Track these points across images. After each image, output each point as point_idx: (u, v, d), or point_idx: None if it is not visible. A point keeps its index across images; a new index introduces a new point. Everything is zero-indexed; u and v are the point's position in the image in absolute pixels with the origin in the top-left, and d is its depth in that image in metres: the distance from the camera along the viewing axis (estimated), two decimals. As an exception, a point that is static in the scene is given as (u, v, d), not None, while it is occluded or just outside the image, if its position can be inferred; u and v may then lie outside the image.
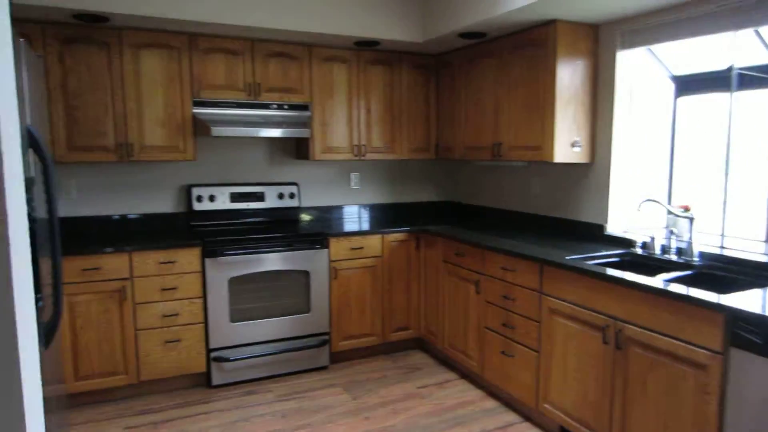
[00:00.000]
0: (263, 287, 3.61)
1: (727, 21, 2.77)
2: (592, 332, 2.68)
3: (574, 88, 3.35)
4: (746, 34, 2.86)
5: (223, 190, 3.99)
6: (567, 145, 3.36)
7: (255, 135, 3.64)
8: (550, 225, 3.83)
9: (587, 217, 3.56)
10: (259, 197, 4.10)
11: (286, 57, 3.88)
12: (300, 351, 3.73)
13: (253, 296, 3.58)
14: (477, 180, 4.63)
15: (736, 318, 2.12)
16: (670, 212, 3.07)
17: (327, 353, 3.84)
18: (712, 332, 2.20)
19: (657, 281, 2.46)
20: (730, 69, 2.95)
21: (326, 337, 3.83)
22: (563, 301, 2.84)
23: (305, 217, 4.39)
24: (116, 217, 3.80)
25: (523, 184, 4.10)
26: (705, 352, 2.22)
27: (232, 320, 3.53)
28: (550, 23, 3.27)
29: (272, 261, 3.61)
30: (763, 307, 2.10)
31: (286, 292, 3.68)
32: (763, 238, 3.11)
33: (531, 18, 3.23)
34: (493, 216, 4.41)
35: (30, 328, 1.52)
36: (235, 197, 4.03)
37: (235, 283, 3.52)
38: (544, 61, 3.33)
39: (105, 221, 3.77)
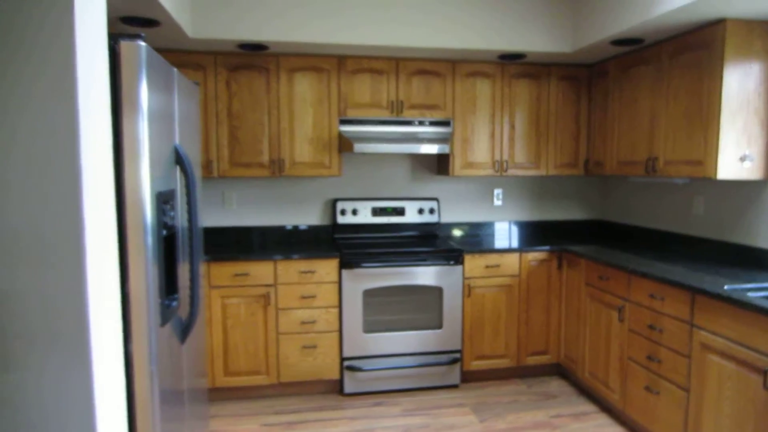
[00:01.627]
0: (396, 300, 3.68)
1: None
2: (751, 375, 2.31)
3: (746, 95, 2.94)
4: None
5: (365, 204, 4.16)
6: (734, 159, 2.96)
7: (395, 151, 3.74)
8: (714, 249, 3.39)
9: (760, 241, 3.09)
10: (400, 212, 4.20)
11: (429, 74, 3.94)
12: (431, 367, 3.72)
13: (386, 309, 3.66)
14: (630, 198, 4.26)
15: None
16: None
17: (458, 371, 3.78)
18: None
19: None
20: None
21: (458, 355, 3.77)
22: (718, 336, 2.49)
23: (456, 232, 4.39)
24: (270, 227, 4.15)
25: (684, 202, 3.68)
26: None
27: (366, 331, 3.64)
28: (717, 23, 2.92)
29: (405, 275, 3.67)
30: None
31: (419, 307, 3.70)
32: None
33: (694, 18, 2.91)
34: (646, 237, 4.02)
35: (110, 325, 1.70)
36: (377, 212, 4.17)
37: (370, 294, 3.63)
38: (708, 66, 2.98)
39: (261, 231, 4.13)
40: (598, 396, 3.51)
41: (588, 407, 3.46)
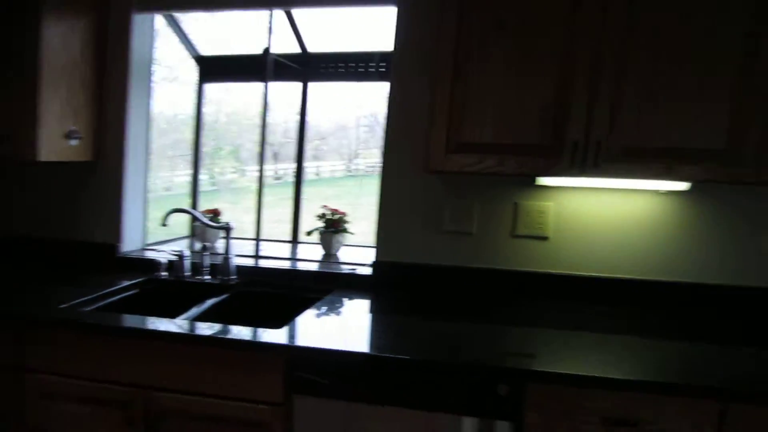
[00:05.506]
0: None
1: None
2: (111, 413, 1.81)
3: (71, 56, 2.34)
4: (281, 21, 2.48)
5: None
6: (59, 135, 2.34)
7: None
8: (43, 250, 2.69)
9: (94, 235, 2.62)
10: None
11: None
12: None
13: None
14: None
15: (295, 357, 1.65)
16: (198, 221, 2.47)
17: None
18: (269, 380, 1.67)
19: (180, 323, 1.81)
20: (265, 54, 2.51)
21: None
22: (62, 376, 1.85)
23: None
24: None
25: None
26: (263, 407, 1.68)
27: None
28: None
29: None
30: (320, 337, 1.69)
31: None
32: (288, 237, 2.88)
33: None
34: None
35: None
36: None
37: None
38: (22, 11, 2.19)
39: None
40: None
41: None
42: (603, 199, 2.12)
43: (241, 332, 1.71)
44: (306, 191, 2.73)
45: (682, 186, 1.90)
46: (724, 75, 1.66)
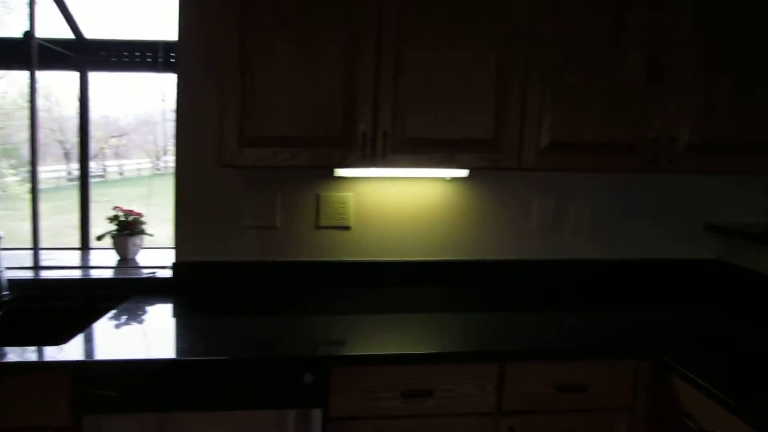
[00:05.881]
0: None
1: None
2: None
3: None
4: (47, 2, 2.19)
5: None
6: None
7: None
8: None
9: None
10: None
11: None
12: None
13: None
14: None
15: (83, 374, 1.51)
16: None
17: None
18: (52, 402, 1.51)
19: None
20: (28, 38, 2.18)
21: None
22: None
23: None
24: None
25: None
26: (48, 434, 1.51)
27: None
28: None
29: None
30: (113, 348, 1.57)
31: None
32: (78, 244, 2.62)
33: None
34: None
35: None
36: None
37: None
38: None
39: None
40: None
41: None
42: (397, 187, 2.25)
43: (13, 354, 1.51)
44: (109, 192, 2.50)
45: (463, 173, 2.09)
46: (486, 74, 1.85)
